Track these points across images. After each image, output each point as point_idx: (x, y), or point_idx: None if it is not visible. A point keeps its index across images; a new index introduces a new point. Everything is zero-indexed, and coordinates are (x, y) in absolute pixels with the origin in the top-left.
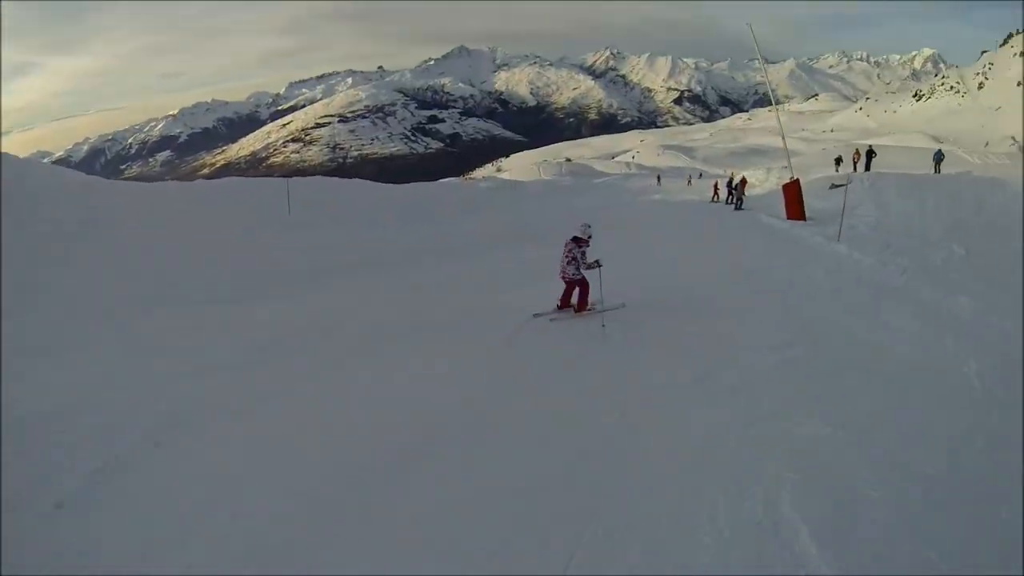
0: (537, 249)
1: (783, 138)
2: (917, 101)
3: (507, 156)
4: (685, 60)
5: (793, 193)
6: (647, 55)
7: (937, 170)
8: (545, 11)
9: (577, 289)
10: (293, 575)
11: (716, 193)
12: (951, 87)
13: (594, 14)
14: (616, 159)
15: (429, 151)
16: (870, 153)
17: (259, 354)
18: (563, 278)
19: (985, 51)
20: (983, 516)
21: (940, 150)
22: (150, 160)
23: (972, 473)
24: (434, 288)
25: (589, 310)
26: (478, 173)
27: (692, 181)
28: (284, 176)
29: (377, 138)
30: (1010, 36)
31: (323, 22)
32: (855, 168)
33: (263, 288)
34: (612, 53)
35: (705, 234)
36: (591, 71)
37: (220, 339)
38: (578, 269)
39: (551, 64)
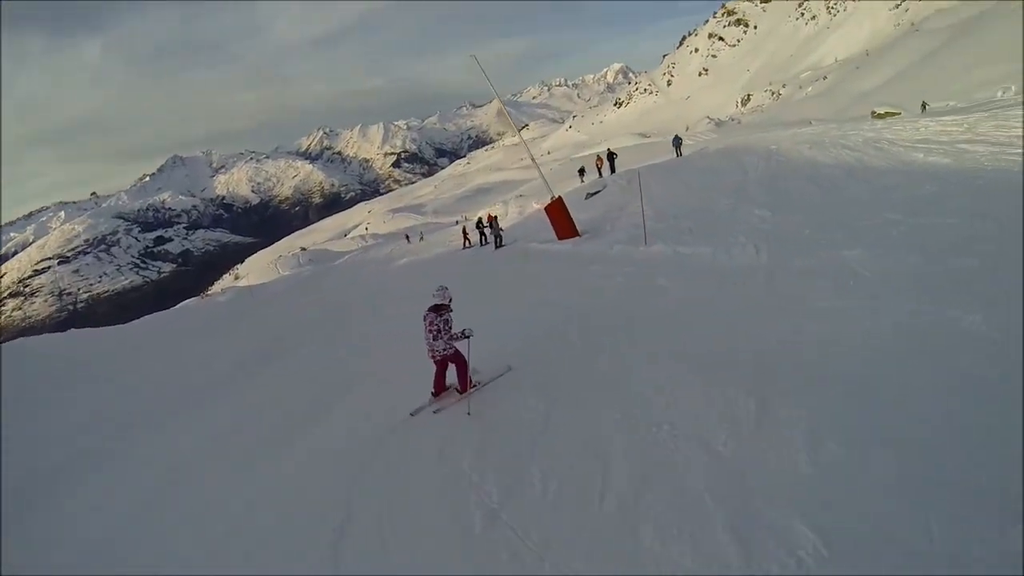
0: (333, 347)
1: (533, 159)
2: (619, 108)
3: (242, 262)
4: (396, 123)
5: (559, 212)
6: (359, 126)
7: (679, 153)
8: (249, 105)
9: (452, 366)
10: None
11: (467, 239)
12: (645, 90)
13: (297, 99)
14: (349, 236)
15: (163, 275)
16: (611, 156)
17: None
18: (433, 357)
19: (666, 54)
20: None
21: (677, 135)
22: None
23: None
24: (257, 421)
25: (474, 386)
26: (217, 287)
27: (410, 239)
28: (8, 340)
29: (105, 274)
30: (684, 38)
31: (22, 149)
32: (600, 174)
33: None
34: (324, 132)
35: (499, 282)
36: (307, 155)
37: None
38: (448, 342)
39: (267, 156)
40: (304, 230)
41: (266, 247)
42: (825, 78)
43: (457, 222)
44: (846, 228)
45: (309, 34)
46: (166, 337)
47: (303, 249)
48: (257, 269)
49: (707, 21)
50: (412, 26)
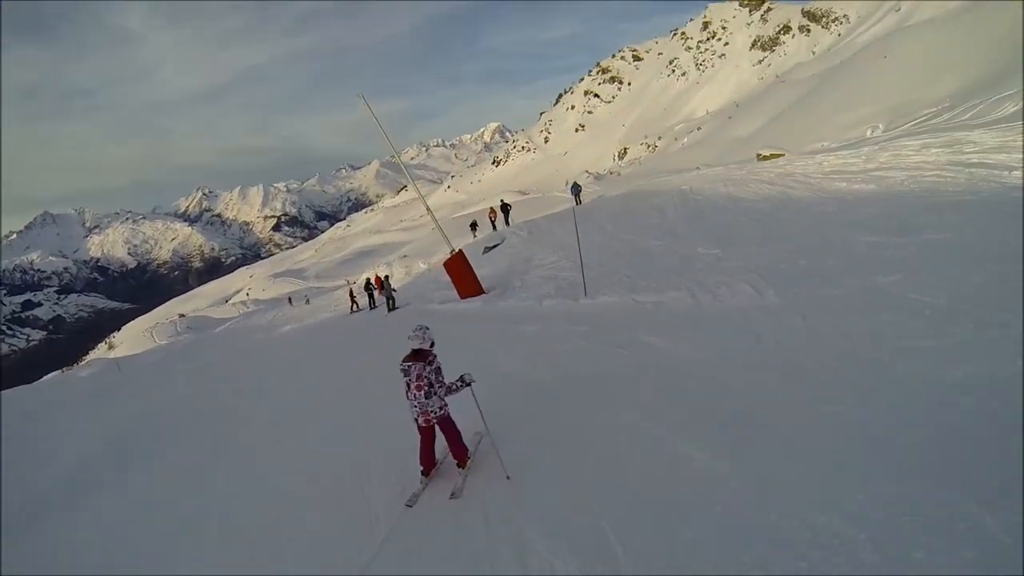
0: (211, 441)
1: (428, 210)
2: (497, 167)
3: (119, 329)
4: (276, 186)
5: (460, 267)
6: (239, 188)
7: (578, 201)
8: (126, 160)
9: (446, 435)
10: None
11: (354, 302)
12: (523, 147)
13: (176, 156)
14: (230, 302)
15: (32, 343)
16: (505, 208)
17: None
18: (428, 423)
19: (543, 112)
20: None
21: (576, 183)
22: None
23: None
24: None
25: (469, 456)
26: (92, 355)
27: (293, 302)
28: None
29: None
30: (560, 96)
31: None
32: (495, 227)
33: None
34: (204, 193)
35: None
36: (186, 217)
37: None
38: (446, 395)
39: (144, 217)
40: (184, 295)
41: (145, 313)
42: (699, 128)
43: (348, 282)
44: (829, 255)
45: (188, 87)
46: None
47: (181, 316)
48: (133, 337)
49: (582, 79)
50: (291, 84)
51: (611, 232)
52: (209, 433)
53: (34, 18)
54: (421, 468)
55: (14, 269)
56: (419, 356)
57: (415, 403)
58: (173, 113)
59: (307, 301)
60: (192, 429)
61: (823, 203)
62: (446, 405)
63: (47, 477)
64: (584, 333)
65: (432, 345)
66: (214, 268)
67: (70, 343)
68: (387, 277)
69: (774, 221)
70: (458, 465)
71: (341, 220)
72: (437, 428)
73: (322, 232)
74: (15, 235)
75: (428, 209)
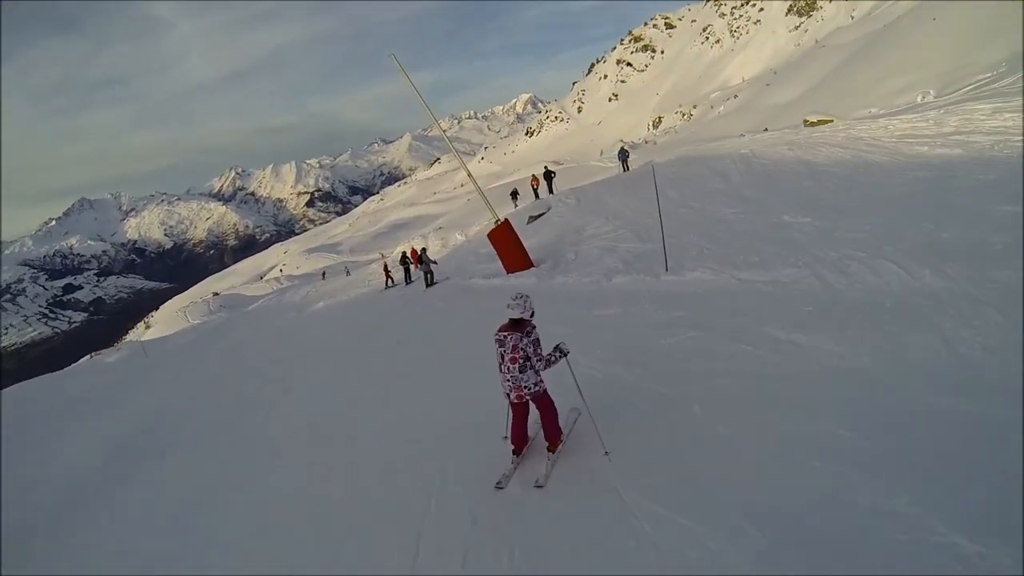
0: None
1: (470, 176)
2: (530, 137)
3: (157, 308)
4: (309, 162)
5: (507, 239)
6: (271, 166)
7: (626, 167)
8: (159, 145)
9: (540, 412)
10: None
11: (389, 277)
12: (556, 117)
13: (208, 138)
14: (265, 279)
15: (74, 325)
16: (549, 175)
17: None
18: (520, 398)
19: (575, 81)
20: None
21: (624, 147)
22: None
23: None
24: None
25: (562, 440)
26: (132, 336)
27: (326, 276)
28: None
29: (12, 325)
30: (593, 65)
31: None
32: (537, 195)
33: None
34: (237, 172)
35: (465, 336)
36: (220, 196)
37: None
38: (543, 369)
39: (179, 198)
40: (220, 273)
41: (182, 292)
42: (736, 96)
43: (383, 255)
44: (974, 226)
45: (219, 70)
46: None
47: (215, 294)
48: (168, 317)
49: (615, 48)
50: (321, 63)
51: (674, 199)
52: (228, 436)
53: (54, 14)
54: (512, 447)
55: (54, 254)
56: (517, 326)
57: (508, 377)
58: (203, 97)
59: (347, 272)
60: (207, 432)
61: (910, 168)
62: (542, 381)
63: (40, 496)
64: (685, 322)
65: (532, 315)
66: (249, 245)
67: (111, 324)
68: (424, 250)
69: (863, 186)
70: (548, 448)
71: (374, 194)
72: (532, 405)
73: (356, 207)
74: (54, 222)
75: (469, 174)
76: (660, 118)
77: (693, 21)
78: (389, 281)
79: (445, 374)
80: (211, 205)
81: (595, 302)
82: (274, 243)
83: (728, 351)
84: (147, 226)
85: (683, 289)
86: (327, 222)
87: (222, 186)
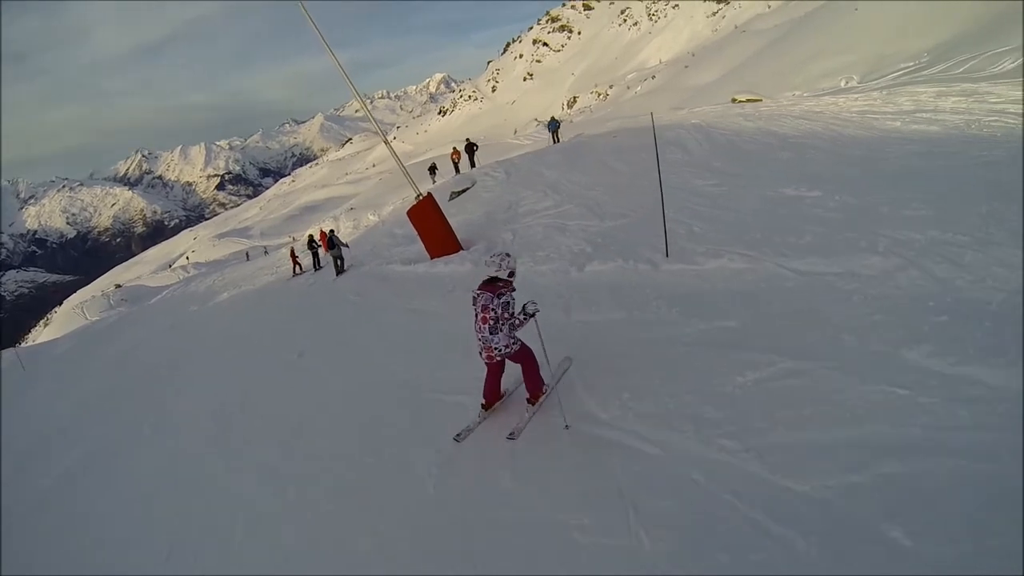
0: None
1: (388, 145)
2: (443, 117)
3: (61, 304)
4: (219, 144)
5: (430, 217)
6: (179, 148)
7: (556, 139)
8: (61, 125)
9: (521, 365)
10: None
11: (297, 263)
12: (469, 96)
13: (114, 119)
14: (173, 267)
15: None
16: (471, 147)
17: None
18: (489, 358)
19: (490, 61)
20: None
21: (555, 118)
22: None
23: None
24: None
25: (544, 392)
26: (31, 335)
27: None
28: None
29: None
30: (508, 45)
31: None
32: (457, 170)
33: None
34: (144, 155)
35: (371, 338)
36: (126, 180)
37: None
38: (511, 332)
39: (82, 184)
40: (127, 263)
41: (86, 284)
42: (653, 77)
43: (292, 239)
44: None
45: (129, 44)
46: None
47: (118, 286)
48: (67, 313)
49: (531, 28)
50: (235, 38)
51: (628, 172)
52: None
53: None
54: (482, 401)
55: None
56: (490, 285)
57: (480, 337)
58: (111, 73)
59: (265, 252)
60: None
61: (898, 141)
62: (516, 342)
63: None
64: (745, 339)
65: (511, 275)
66: (157, 232)
67: (12, 323)
68: (333, 232)
69: (858, 160)
70: (528, 400)
71: (286, 176)
72: (508, 362)
73: (267, 188)
74: None
75: (387, 143)
76: (575, 98)
77: (611, 3)
78: (297, 268)
79: (361, 406)
80: (116, 190)
81: (573, 300)
82: (183, 229)
83: (868, 399)
84: (48, 214)
85: (704, 284)
86: (238, 205)
87: (128, 169)
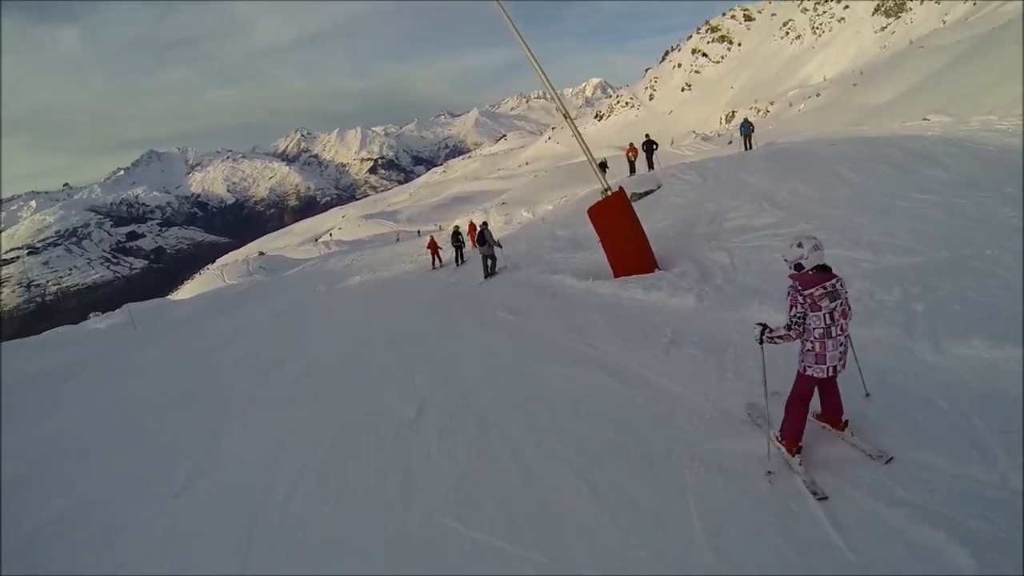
0: None
1: (576, 133)
2: (599, 121)
3: (214, 261)
4: (374, 129)
5: (624, 222)
6: (336, 131)
7: (748, 145)
8: (227, 103)
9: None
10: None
11: (436, 256)
12: (626, 103)
13: (275, 100)
14: (317, 241)
15: (134, 272)
16: (650, 146)
17: None
18: (836, 370)
19: (648, 68)
20: None
21: (747, 121)
22: None
23: None
24: None
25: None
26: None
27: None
28: None
29: (76, 267)
30: (666, 53)
31: None
32: (633, 170)
33: None
34: (303, 135)
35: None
36: (284, 156)
37: None
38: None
39: (244, 156)
40: (278, 232)
41: (239, 247)
42: (818, 95)
43: (439, 227)
44: None
45: (291, 35)
46: None
47: (261, 254)
48: (211, 275)
49: (690, 37)
50: (394, 31)
51: (872, 187)
52: None
53: None
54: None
55: (121, 203)
56: (829, 272)
57: (842, 339)
58: (276, 59)
59: (419, 233)
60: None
61: None
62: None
63: None
64: None
65: (799, 267)
66: (309, 207)
67: (170, 273)
68: (485, 224)
69: None
70: (841, 427)
71: (438, 166)
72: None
73: (418, 176)
74: (123, 171)
75: (569, 120)
76: (734, 112)
77: (773, 15)
78: (436, 260)
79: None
80: (275, 165)
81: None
82: (334, 206)
83: None
84: (211, 181)
85: None
86: (388, 189)
87: (287, 147)
